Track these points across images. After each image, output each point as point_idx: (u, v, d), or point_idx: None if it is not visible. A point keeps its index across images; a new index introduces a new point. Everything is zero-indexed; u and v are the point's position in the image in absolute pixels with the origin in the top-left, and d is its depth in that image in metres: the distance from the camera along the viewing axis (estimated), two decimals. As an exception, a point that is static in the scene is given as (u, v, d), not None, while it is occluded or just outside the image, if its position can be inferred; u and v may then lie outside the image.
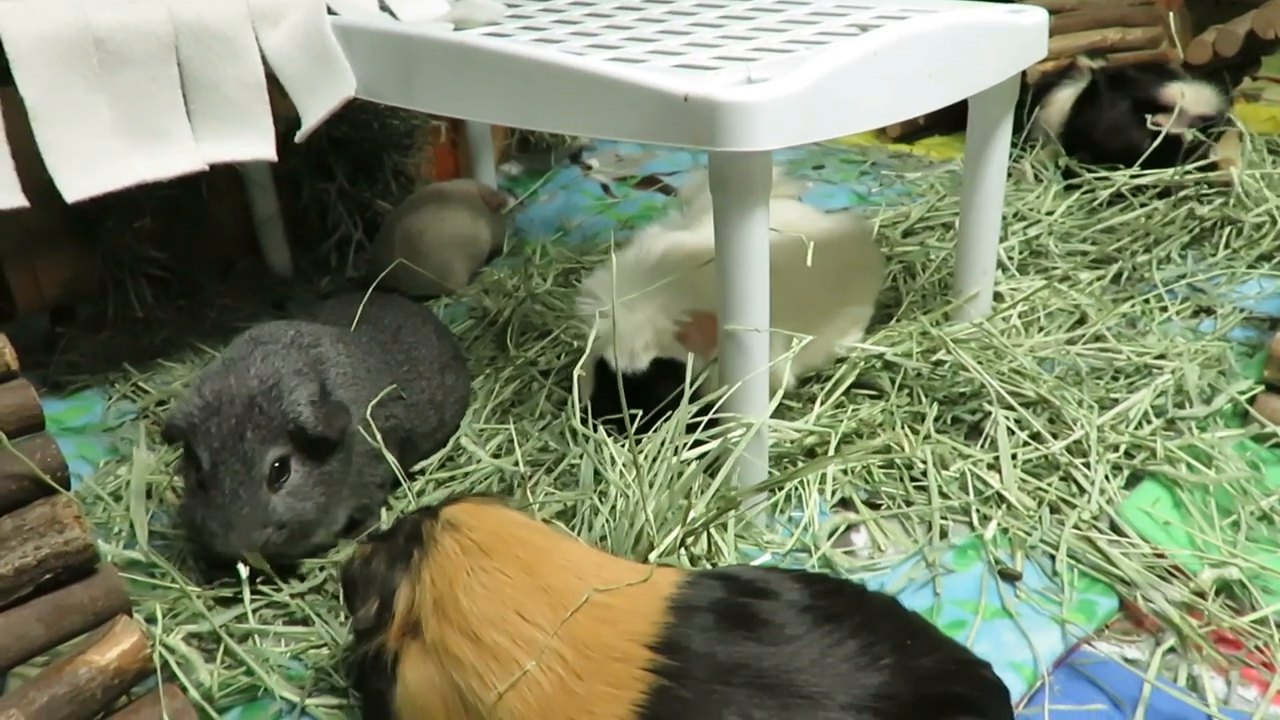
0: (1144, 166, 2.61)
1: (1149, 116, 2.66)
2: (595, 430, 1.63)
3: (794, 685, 1.03)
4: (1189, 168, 2.58)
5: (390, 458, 1.63)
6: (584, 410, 1.72)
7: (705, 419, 1.60)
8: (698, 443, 1.58)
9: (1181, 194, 2.58)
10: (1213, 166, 2.60)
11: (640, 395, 1.61)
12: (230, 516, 1.51)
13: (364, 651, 1.19)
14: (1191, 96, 2.68)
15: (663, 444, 1.55)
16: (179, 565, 1.61)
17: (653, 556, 1.41)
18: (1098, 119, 2.80)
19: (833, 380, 1.92)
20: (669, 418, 1.59)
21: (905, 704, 1.04)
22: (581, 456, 1.63)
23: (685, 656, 1.06)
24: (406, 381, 1.79)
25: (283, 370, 1.58)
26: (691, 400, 1.59)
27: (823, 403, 1.86)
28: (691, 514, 1.46)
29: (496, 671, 1.09)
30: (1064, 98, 2.93)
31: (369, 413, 1.64)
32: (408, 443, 1.80)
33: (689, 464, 1.54)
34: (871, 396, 1.94)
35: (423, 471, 1.84)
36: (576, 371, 1.59)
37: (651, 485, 1.49)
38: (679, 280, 1.71)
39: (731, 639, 1.08)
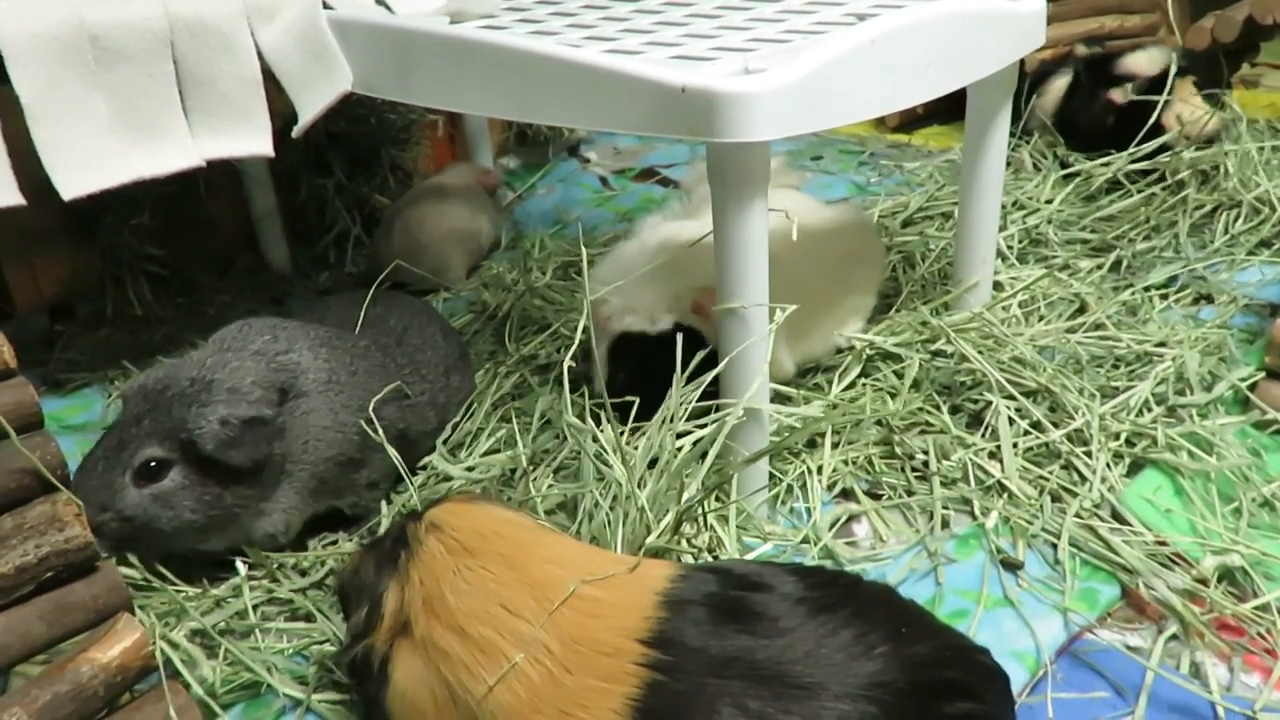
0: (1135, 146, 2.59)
1: (1112, 92, 2.67)
2: (597, 421, 1.63)
3: (788, 676, 1.03)
4: (1148, 149, 2.56)
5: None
6: (601, 393, 1.73)
7: (713, 404, 1.60)
8: (696, 427, 1.58)
9: (1176, 177, 2.57)
10: (1159, 128, 2.59)
11: (660, 362, 1.62)
12: (78, 482, 1.51)
13: (354, 654, 1.20)
14: (1146, 61, 2.68)
15: (663, 424, 1.55)
16: (180, 564, 1.61)
17: (650, 539, 1.42)
18: (1079, 107, 2.80)
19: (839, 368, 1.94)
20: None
21: (900, 691, 1.04)
22: (579, 454, 1.63)
23: (678, 651, 1.06)
24: (406, 384, 1.78)
25: (219, 381, 1.54)
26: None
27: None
28: (686, 494, 1.46)
29: (485, 664, 1.10)
30: (1059, 86, 2.92)
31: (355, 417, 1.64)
32: (404, 442, 1.79)
33: (684, 449, 1.53)
34: (874, 388, 1.93)
35: (424, 467, 1.84)
36: (565, 362, 1.59)
37: (651, 468, 1.49)
38: (686, 260, 1.77)
39: (725, 632, 1.08)
